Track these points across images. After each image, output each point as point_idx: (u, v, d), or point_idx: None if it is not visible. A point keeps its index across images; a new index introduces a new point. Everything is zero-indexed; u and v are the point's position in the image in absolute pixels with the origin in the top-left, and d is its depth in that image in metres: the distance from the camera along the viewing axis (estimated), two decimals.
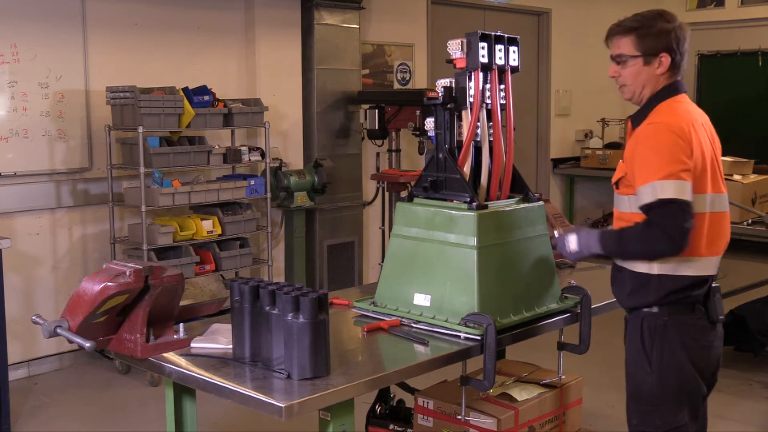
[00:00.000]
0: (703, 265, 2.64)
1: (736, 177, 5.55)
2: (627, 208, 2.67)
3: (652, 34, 2.66)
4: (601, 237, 2.69)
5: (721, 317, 2.70)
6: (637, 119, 2.71)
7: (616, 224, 2.74)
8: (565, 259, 2.92)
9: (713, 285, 2.69)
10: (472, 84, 2.88)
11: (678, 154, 2.53)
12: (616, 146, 8.77)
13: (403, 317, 2.89)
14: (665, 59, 2.67)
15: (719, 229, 2.69)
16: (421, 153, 6.60)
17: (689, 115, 2.65)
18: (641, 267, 2.65)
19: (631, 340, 2.71)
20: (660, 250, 2.55)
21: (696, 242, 2.58)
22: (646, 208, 2.54)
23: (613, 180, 2.73)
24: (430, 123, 2.98)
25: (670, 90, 2.70)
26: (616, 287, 2.80)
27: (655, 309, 2.65)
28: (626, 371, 2.75)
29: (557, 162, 9.13)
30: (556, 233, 2.89)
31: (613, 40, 2.73)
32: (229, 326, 2.63)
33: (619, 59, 2.71)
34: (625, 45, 2.69)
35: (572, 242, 2.73)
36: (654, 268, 2.63)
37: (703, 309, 2.66)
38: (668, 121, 2.58)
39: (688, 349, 2.63)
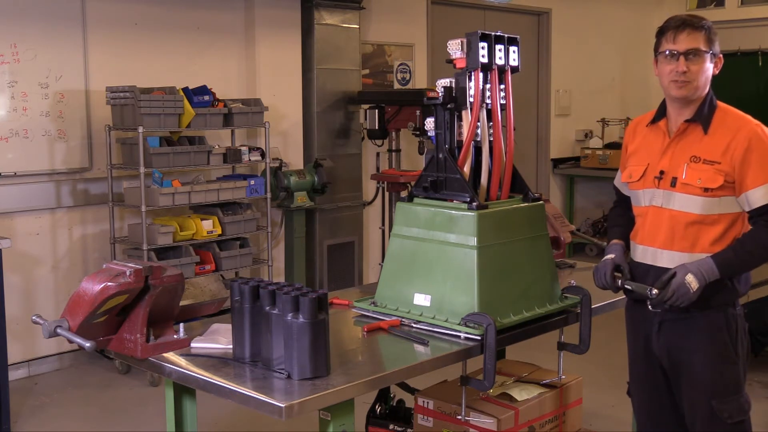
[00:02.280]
0: None
1: None
2: (714, 210, 2.71)
3: (715, 34, 2.78)
4: (717, 263, 2.68)
5: None
6: (705, 120, 2.75)
7: (688, 229, 2.73)
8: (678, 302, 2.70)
9: None
10: (472, 84, 2.88)
11: None
12: (616, 146, 8.75)
13: (403, 317, 2.89)
14: (720, 62, 2.79)
15: None
16: (421, 153, 6.60)
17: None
18: None
19: (714, 335, 2.77)
20: None
21: None
22: (764, 209, 2.65)
23: (711, 186, 2.69)
24: (430, 123, 2.98)
25: (712, 93, 2.81)
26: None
27: (739, 303, 2.81)
28: (704, 369, 2.78)
29: (557, 162, 9.13)
30: (668, 286, 2.68)
31: (686, 34, 2.74)
32: (229, 326, 2.63)
33: (693, 53, 2.73)
34: (701, 40, 2.74)
35: (693, 282, 2.65)
36: None
37: None
38: (760, 122, 2.73)
39: (747, 334, 2.88)
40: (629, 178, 2.91)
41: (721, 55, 2.78)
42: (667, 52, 2.74)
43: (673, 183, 2.74)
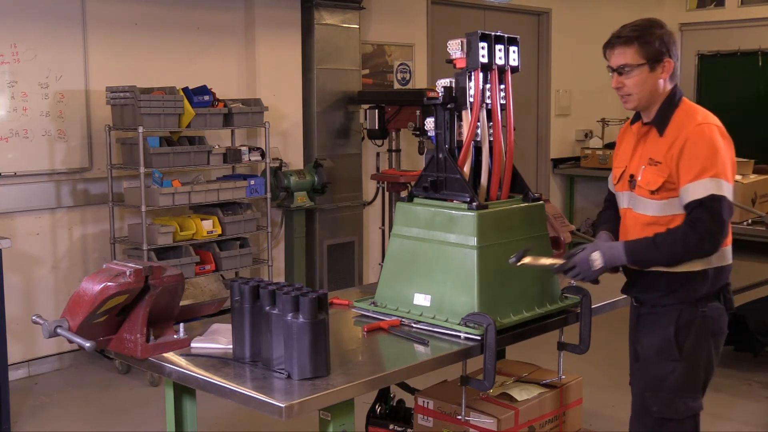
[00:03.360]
0: (730, 252, 2.75)
1: (736, 177, 5.54)
2: (667, 211, 2.69)
3: (654, 40, 2.72)
4: (626, 249, 2.69)
5: (734, 306, 2.80)
6: (661, 123, 2.72)
7: (644, 230, 2.73)
8: (582, 281, 2.82)
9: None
10: (472, 84, 2.88)
11: (726, 153, 2.63)
12: None
13: (403, 317, 2.89)
14: (668, 64, 2.73)
15: None
16: (421, 153, 6.60)
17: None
18: (696, 263, 2.68)
19: (660, 330, 2.74)
20: (704, 250, 2.62)
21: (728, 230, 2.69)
22: (696, 204, 2.59)
23: (653, 188, 2.70)
24: (430, 123, 2.98)
25: (677, 94, 2.76)
26: (642, 287, 2.81)
27: (697, 301, 2.71)
28: (646, 361, 2.78)
29: (557, 162, 9.13)
30: (572, 258, 2.76)
31: (614, 51, 2.75)
32: (229, 326, 2.63)
33: (622, 69, 2.73)
34: (629, 55, 2.72)
35: (597, 259, 2.70)
36: (713, 261, 2.69)
37: (726, 298, 2.76)
38: (712, 123, 2.67)
39: (714, 337, 2.75)
40: (614, 179, 2.95)
41: (666, 58, 2.72)
42: (608, 69, 2.78)
43: (633, 185, 2.78)
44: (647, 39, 2.71)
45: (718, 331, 2.76)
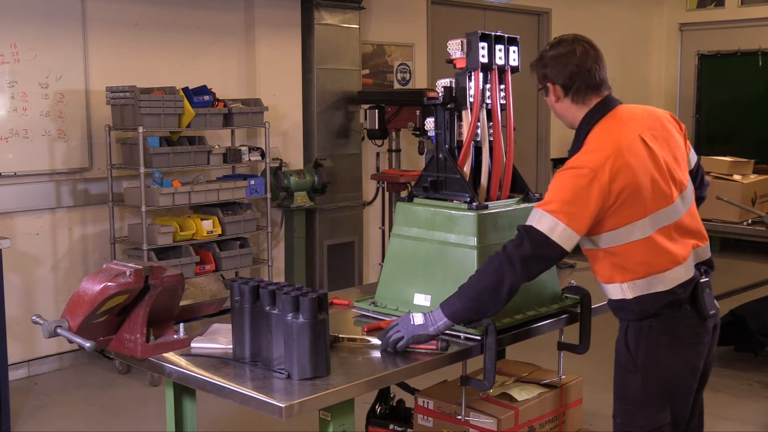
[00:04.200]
0: (675, 275, 2.58)
1: (736, 177, 5.54)
2: (589, 245, 2.62)
3: (538, 64, 2.69)
4: (442, 306, 2.57)
5: (711, 312, 2.65)
6: (572, 153, 2.62)
7: (592, 263, 2.70)
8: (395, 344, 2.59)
9: (701, 281, 2.63)
10: (472, 84, 2.88)
11: (579, 196, 2.46)
12: None
13: None
14: (551, 87, 2.67)
15: (681, 234, 2.62)
16: (421, 153, 6.60)
17: (618, 137, 2.55)
18: (614, 293, 2.63)
19: (618, 340, 2.71)
20: (503, 276, 2.47)
21: (654, 262, 2.55)
22: (517, 229, 2.52)
23: None
24: (430, 123, 2.98)
25: (595, 114, 2.62)
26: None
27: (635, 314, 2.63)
28: (614, 372, 2.75)
29: (557, 162, 9.12)
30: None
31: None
32: (229, 326, 2.63)
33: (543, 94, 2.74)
34: (538, 80, 2.72)
35: (417, 316, 2.58)
36: (627, 293, 2.59)
37: (692, 308, 2.62)
38: (580, 164, 2.50)
39: (674, 348, 2.61)
40: None
41: (549, 84, 2.65)
42: None
43: None
44: (536, 63, 2.70)
45: (678, 342, 2.60)
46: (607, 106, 2.64)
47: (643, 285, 2.57)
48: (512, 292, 2.51)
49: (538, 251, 2.48)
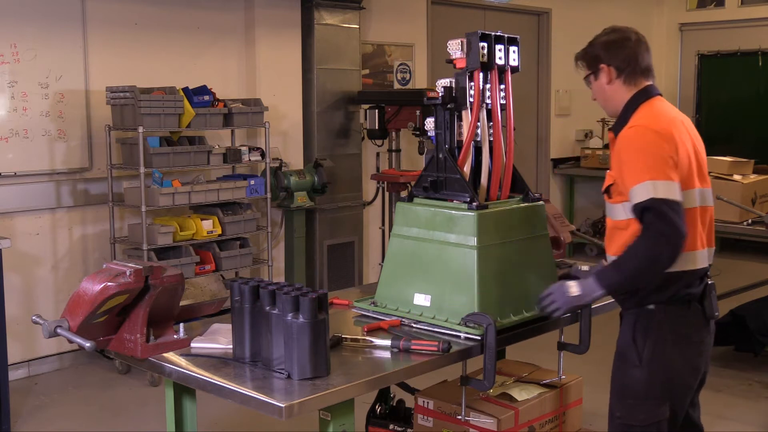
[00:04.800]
0: (699, 257, 2.68)
1: (736, 177, 5.54)
2: (623, 216, 2.67)
3: (591, 49, 2.80)
4: (598, 277, 2.65)
5: (716, 314, 2.74)
6: (617, 128, 2.74)
7: (612, 234, 2.74)
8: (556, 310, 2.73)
9: (709, 282, 2.73)
10: (472, 84, 2.88)
11: (663, 153, 2.58)
12: None
13: (403, 317, 2.89)
14: (605, 69, 2.76)
15: (710, 221, 2.76)
16: (421, 153, 6.60)
17: (667, 115, 2.71)
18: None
19: (623, 334, 2.74)
20: (661, 253, 2.54)
21: (691, 236, 2.62)
22: (639, 210, 2.56)
23: (603, 189, 2.74)
24: (430, 123, 2.98)
25: (641, 96, 2.75)
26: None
27: (652, 307, 2.67)
28: (613, 365, 2.77)
29: (557, 162, 9.13)
30: (558, 287, 2.72)
31: (577, 68, 2.85)
32: (229, 326, 2.63)
33: (586, 81, 2.83)
34: (583, 68, 2.82)
35: (573, 286, 2.68)
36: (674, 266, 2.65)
37: (700, 306, 2.69)
38: (647, 123, 2.64)
39: (679, 345, 2.67)
40: None
41: (602, 65, 2.76)
42: None
43: (608, 193, 2.77)
44: (587, 49, 2.81)
45: (684, 339, 2.67)
46: (652, 91, 2.77)
47: (682, 259, 2.61)
48: (671, 263, 2.56)
49: (673, 214, 2.52)
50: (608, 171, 2.75)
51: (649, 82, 2.78)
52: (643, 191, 2.54)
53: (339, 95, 6.62)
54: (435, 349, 2.60)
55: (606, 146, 8.96)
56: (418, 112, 6.24)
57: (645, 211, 2.54)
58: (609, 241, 2.76)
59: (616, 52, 2.75)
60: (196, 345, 2.66)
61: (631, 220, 2.63)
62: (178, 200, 5.32)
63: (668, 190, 2.53)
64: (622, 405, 2.72)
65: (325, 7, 6.48)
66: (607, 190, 2.73)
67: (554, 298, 2.70)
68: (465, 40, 2.87)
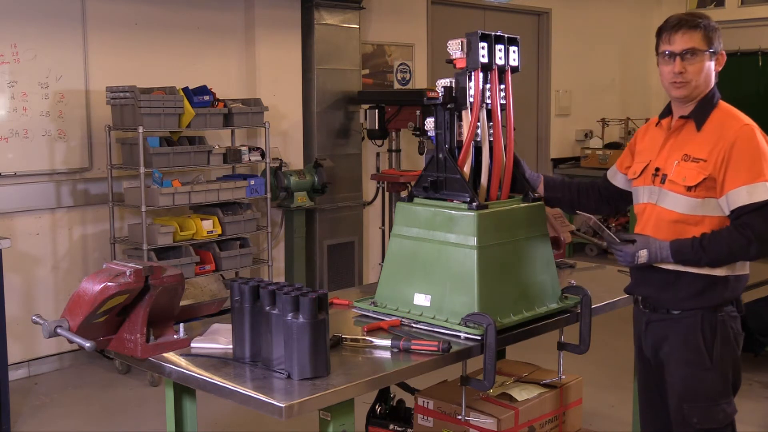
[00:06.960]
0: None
1: None
2: (700, 211, 2.67)
3: (715, 31, 2.73)
4: (674, 249, 2.67)
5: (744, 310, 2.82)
6: (700, 117, 2.71)
7: (670, 227, 2.72)
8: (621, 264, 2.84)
9: None
10: (472, 84, 2.87)
11: None
12: (616, 146, 8.76)
13: (403, 317, 2.89)
14: (722, 58, 2.76)
15: None
16: (421, 153, 6.60)
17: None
18: (716, 270, 2.69)
19: (688, 339, 2.73)
20: (748, 255, 2.62)
21: None
22: (748, 209, 2.58)
23: (690, 184, 2.67)
24: (430, 123, 2.98)
25: (717, 93, 2.76)
26: (656, 288, 2.80)
27: (723, 308, 2.72)
28: (676, 373, 2.77)
29: (557, 162, 9.13)
30: (623, 246, 2.77)
31: (681, 34, 2.70)
32: (229, 326, 2.62)
33: (690, 53, 2.70)
34: (697, 39, 2.70)
35: (642, 257, 2.72)
36: (737, 268, 2.71)
37: (736, 302, 2.78)
38: (753, 124, 2.67)
39: (737, 340, 2.76)
40: (633, 174, 2.92)
41: (723, 52, 2.75)
42: (666, 53, 2.72)
43: (663, 180, 2.75)
44: (712, 28, 2.72)
45: (738, 334, 2.76)
46: (718, 90, 2.79)
47: (744, 264, 2.72)
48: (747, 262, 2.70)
49: None
50: (680, 162, 2.70)
51: None
52: (755, 192, 2.57)
53: (339, 95, 6.62)
54: (435, 349, 2.60)
55: (606, 146, 8.95)
56: (418, 112, 6.25)
57: (752, 211, 2.57)
58: (666, 234, 2.72)
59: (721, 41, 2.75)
60: (196, 345, 2.66)
61: (707, 217, 2.65)
62: (178, 200, 5.32)
63: None
64: (698, 409, 2.72)
65: (325, 7, 6.48)
66: (695, 185, 2.67)
67: (622, 258, 2.75)
68: (465, 40, 2.87)
